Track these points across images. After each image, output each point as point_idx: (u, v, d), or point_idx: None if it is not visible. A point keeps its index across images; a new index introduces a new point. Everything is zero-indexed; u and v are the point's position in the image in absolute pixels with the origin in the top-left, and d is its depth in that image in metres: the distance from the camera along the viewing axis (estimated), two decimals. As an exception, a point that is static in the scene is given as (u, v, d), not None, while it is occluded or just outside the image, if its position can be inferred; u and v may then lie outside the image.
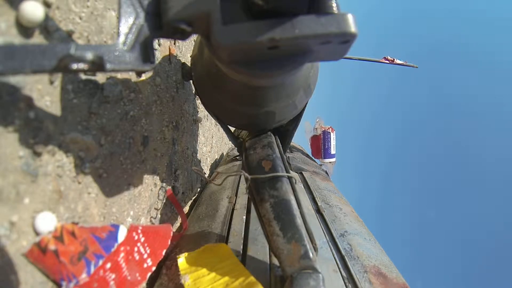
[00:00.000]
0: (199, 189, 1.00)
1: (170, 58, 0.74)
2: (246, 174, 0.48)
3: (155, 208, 0.65)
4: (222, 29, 0.34)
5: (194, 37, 0.79)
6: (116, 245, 0.39)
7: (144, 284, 0.55)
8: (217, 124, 0.77)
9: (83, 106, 0.41)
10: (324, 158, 1.99)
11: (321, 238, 0.61)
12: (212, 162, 1.33)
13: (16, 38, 0.32)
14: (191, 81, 0.86)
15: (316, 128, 2.09)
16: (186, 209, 0.86)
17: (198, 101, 1.03)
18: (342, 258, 0.57)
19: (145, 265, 0.41)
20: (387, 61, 2.42)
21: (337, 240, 0.62)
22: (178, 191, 0.78)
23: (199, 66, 0.60)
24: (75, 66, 0.30)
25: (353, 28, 0.34)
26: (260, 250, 0.55)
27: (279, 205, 0.45)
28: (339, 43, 0.35)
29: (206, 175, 1.17)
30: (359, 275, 0.53)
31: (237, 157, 1.21)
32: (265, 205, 0.46)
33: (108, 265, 0.37)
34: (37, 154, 0.34)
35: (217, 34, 0.34)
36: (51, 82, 0.36)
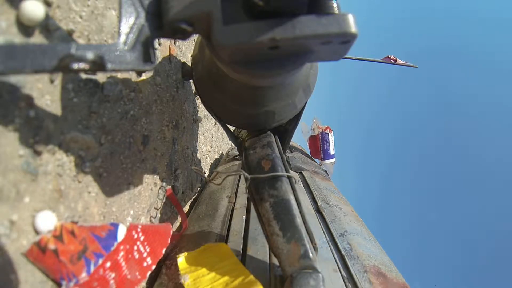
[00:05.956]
0: (199, 189, 1.00)
1: (170, 57, 0.74)
2: (246, 174, 0.48)
3: (155, 208, 0.65)
4: (223, 29, 0.34)
5: (194, 36, 0.79)
6: (115, 244, 0.39)
7: (144, 283, 0.55)
8: (217, 123, 0.77)
9: (83, 105, 0.41)
10: (324, 159, 1.98)
11: (321, 238, 0.61)
12: (212, 161, 1.33)
13: (16, 37, 0.32)
14: (191, 80, 0.86)
15: (313, 129, 2.10)
16: (186, 208, 0.86)
17: (198, 101, 1.03)
18: (342, 258, 0.57)
19: (144, 264, 0.41)
20: (392, 61, 2.41)
21: (337, 240, 0.62)
22: (178, 190, 0.78)
23: (200, 66, 0.60)
24: (75, 66, 0.30)
25: (353, 28, 0.34)
26: (260, 249, 0.55)
27: (278, 204, 0.45)
28: (340, 43, 0.35)
29: (206, 175, 1.17)
30: (359, 274, 0.53)
31: (237, 157, 1.21)
32: (264, 205, 0.46)
33: (108, 264, 0.37)
34: (37, 153, 0.34)
35: (217, 34, 0.34)
36: (52, 81, 0.36)
